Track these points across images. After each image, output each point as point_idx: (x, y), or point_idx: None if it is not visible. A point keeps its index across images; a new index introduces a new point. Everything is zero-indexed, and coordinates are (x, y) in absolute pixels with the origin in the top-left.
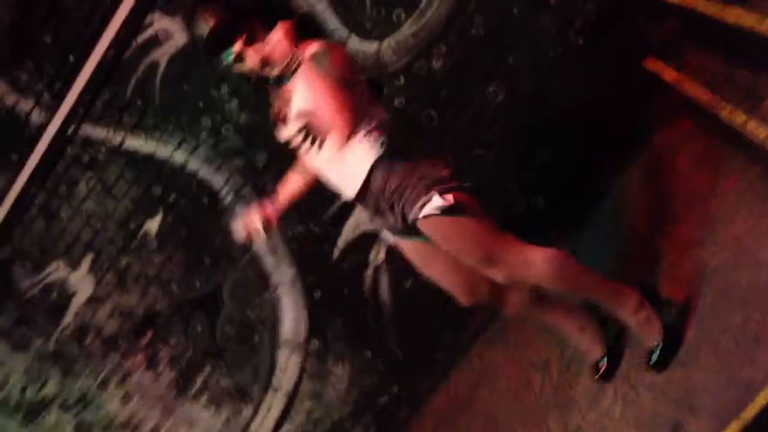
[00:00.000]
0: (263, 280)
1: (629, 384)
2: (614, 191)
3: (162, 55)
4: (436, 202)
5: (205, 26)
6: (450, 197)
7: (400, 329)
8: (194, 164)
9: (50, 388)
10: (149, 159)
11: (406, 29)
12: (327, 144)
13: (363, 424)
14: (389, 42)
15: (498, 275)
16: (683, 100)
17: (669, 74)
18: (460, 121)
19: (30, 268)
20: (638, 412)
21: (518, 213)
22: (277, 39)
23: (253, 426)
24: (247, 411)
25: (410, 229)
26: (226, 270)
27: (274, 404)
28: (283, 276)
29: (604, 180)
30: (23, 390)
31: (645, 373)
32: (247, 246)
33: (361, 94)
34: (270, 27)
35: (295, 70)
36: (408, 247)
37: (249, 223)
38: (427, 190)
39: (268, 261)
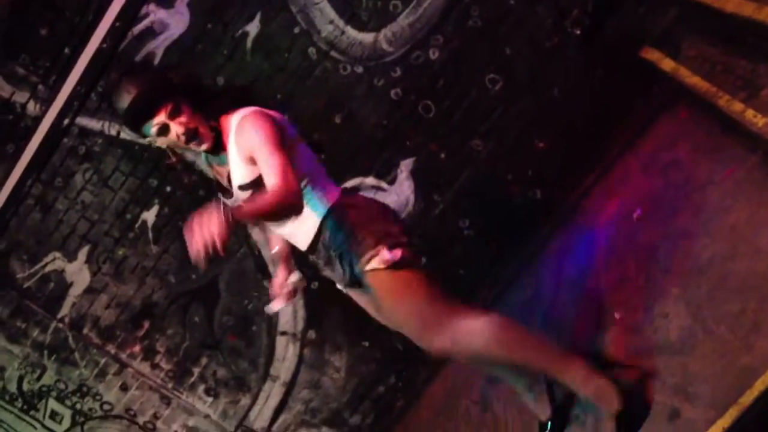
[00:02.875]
0: (260, 271)
1: None
2: (610, 181)
3: (158, 46)
4: (384, 256)
5: (127, 96)
6: (398, 252)
7: None
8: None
9: (47, 379)
10: (145, 150)
11: (403, 20)
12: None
13: (360, 413)
14: (386, 33)
15: (435, 343)
16: (681, 89)
17: (667, 64)
18: (457, 111)
19: (26, 259)
20: None
21: (516, 205)
22: (200, 114)
23: (252, 415)
24: (245, 401)
25: (357, 282)
26: (222, 261)
27: (272, 394)
28: None
29: (601, 171)
30: (20, 380)
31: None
32: (243, 237)
33: (299, 155)
34: (197, 103)
35: (224, 145)
36: (357, 297)
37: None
38: (376, 243)
39: (265, 252)
